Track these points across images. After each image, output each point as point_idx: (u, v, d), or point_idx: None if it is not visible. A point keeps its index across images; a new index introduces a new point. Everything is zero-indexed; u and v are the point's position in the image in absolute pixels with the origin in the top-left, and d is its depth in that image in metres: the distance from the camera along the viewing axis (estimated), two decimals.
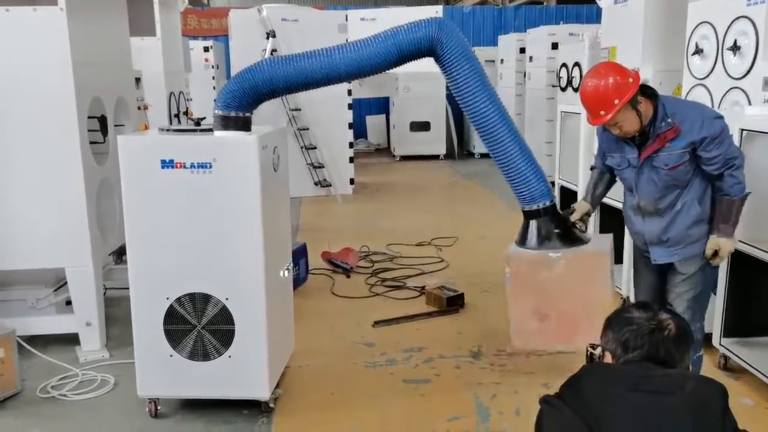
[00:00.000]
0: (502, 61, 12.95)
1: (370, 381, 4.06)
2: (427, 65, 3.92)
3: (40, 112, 4.12)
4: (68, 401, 3.83)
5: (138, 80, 5.96)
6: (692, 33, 4.77)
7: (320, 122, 9.87)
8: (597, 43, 7.31)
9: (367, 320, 4.96)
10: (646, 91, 3.15)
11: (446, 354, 4.39)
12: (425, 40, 3.45)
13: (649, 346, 1.93)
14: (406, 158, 13.51)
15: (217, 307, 3.42)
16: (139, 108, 5.72)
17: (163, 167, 3.29)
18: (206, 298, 3.42)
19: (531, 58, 11.38)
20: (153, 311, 3.44)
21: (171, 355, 3.47)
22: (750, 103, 4.18)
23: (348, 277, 6.06)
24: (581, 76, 8.50)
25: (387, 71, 3.65)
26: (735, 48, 4.34)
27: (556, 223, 3.59)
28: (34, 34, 4.07)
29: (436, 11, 11.88)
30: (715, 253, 3.21)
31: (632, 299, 4.52)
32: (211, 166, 3.28)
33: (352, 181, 10.30)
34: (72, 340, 4.43)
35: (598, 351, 2.05)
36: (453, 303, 5.18)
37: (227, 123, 3.43)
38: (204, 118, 3.64)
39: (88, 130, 4.36)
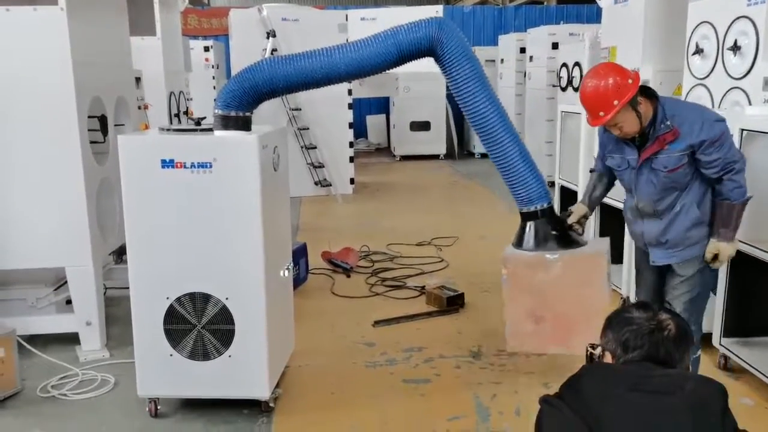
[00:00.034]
0: (502, 60, 12.94)
1: (370, 381, 4.06)
2: (427, 65, 3.91)
3: (41, 111, 4.12)
4: (68, 401, 3.83)
5: (138, 80, 5.96)
6: (692, 33, 4.77)
7: (320, 122, 9.87)
8: (597, 43, 7.29)
9: (367, 320, 4.96)
10: (646, 92, 3.14)
11: (446, 354, 4.39)
12: (425, 40, 3.45)
13: (649, 346, 1.93)
14: (406, 158, 13.51)
15: (217, 307, 3.42)
16: (139, 108, 5.72)
17: (163, 167, 3.30)
18: (206, 298, 3.42)
19: (531, 58, 11.37)
20: (153, 311, 3.44)
21: (171, 355, 3.47)
22: (750, 103, 4.18)
23: (348, 276, 6.06)
24: (581, 76, 8.48)
25: (387, 71, 3.65)
26: (735, 48, 4.34)
27: (553, 225, 3.57)
28: (35, 34, 4.07)
29: (436, 11, 11.86)
30: (715, 257, 3.21)
31: (632, 299, 4.53)
32: (211, 166, 3.29)
33: (352, 181, 10.31)
34: (72, 339, 4.44)
35: (598, 351, 2.05)
36: (453, 303, 5.19)
37: (227, 122, 3.43)
38: (204, 117, 3.64)
39: (88, 130, 4.36)
